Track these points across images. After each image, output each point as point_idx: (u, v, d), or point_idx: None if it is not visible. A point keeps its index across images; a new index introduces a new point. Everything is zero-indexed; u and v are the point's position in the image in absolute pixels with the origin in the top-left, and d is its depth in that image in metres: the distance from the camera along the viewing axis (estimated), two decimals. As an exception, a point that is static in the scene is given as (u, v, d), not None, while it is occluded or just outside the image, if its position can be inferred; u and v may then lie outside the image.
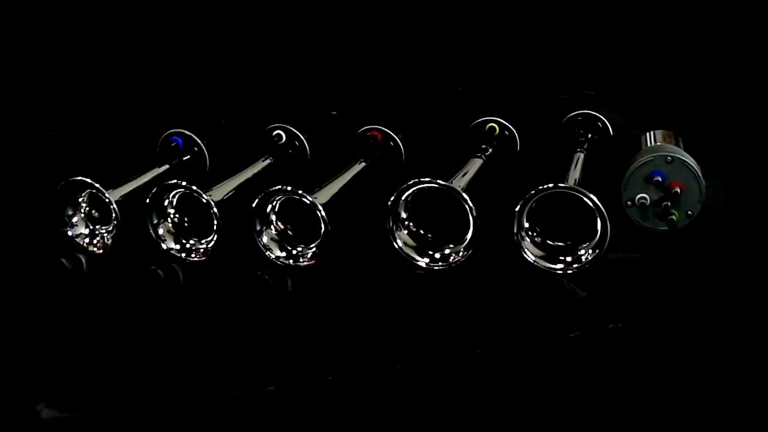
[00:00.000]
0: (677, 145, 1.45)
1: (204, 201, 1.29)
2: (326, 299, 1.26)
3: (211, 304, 1.26)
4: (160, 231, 1.34)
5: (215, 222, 1.30)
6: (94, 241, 1.38)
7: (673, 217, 1.35)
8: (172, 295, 1.30)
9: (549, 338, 1.13)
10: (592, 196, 1.23)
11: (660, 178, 1.35)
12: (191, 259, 1.34)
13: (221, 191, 1.34)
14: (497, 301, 1.23)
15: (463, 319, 1.19)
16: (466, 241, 1.28)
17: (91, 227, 1.39)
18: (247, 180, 1.43)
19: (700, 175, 1.35)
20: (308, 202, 1.25)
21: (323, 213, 1.25)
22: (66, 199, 1.37)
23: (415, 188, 1.28)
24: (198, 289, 1.31)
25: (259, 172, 1.48)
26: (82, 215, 1.39)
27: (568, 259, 1.28)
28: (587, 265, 1.26)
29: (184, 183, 1.30)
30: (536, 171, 1.39)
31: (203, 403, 1.02)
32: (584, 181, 1.35)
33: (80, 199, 1.39)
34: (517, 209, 1.27)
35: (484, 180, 1.43)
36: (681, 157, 1.35)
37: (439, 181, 1.26)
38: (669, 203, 1.35)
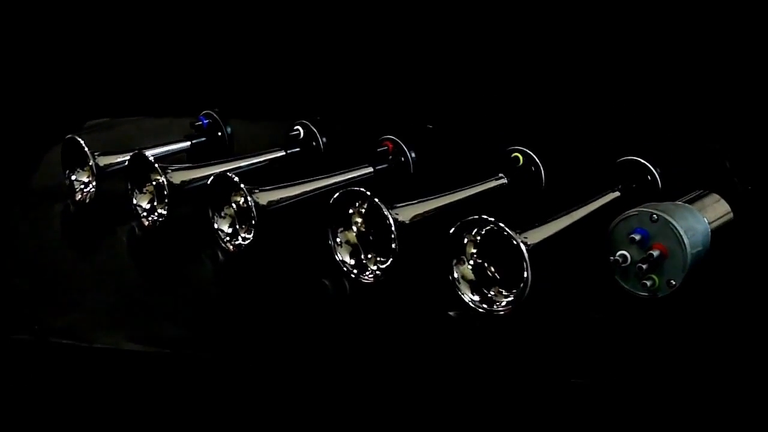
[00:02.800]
0: (714, 213, 1.30)
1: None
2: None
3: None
4: None
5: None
6: (84, 191, 1.49)
7: (647, 282, 1.21)
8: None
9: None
10: (522, 245, 1.13)
11: (639, 237, 1.21)
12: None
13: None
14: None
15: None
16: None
17: (91, 179, 1.49)
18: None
19: (686, 242, 1.19)
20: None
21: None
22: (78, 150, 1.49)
23: None
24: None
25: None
26: (90, 166, 1.48)
27: (489, 295, 1.20)
28: (496, 313, 1.18)
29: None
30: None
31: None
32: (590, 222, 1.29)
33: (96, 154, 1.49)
34: (451, 231, 1.21)
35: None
36: (667, 217, 1.20)
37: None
38: (644, 266, 1.21)
